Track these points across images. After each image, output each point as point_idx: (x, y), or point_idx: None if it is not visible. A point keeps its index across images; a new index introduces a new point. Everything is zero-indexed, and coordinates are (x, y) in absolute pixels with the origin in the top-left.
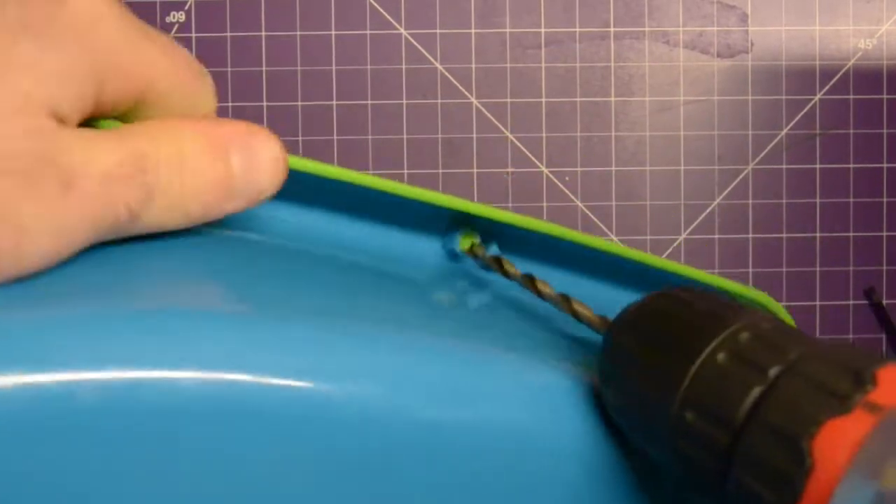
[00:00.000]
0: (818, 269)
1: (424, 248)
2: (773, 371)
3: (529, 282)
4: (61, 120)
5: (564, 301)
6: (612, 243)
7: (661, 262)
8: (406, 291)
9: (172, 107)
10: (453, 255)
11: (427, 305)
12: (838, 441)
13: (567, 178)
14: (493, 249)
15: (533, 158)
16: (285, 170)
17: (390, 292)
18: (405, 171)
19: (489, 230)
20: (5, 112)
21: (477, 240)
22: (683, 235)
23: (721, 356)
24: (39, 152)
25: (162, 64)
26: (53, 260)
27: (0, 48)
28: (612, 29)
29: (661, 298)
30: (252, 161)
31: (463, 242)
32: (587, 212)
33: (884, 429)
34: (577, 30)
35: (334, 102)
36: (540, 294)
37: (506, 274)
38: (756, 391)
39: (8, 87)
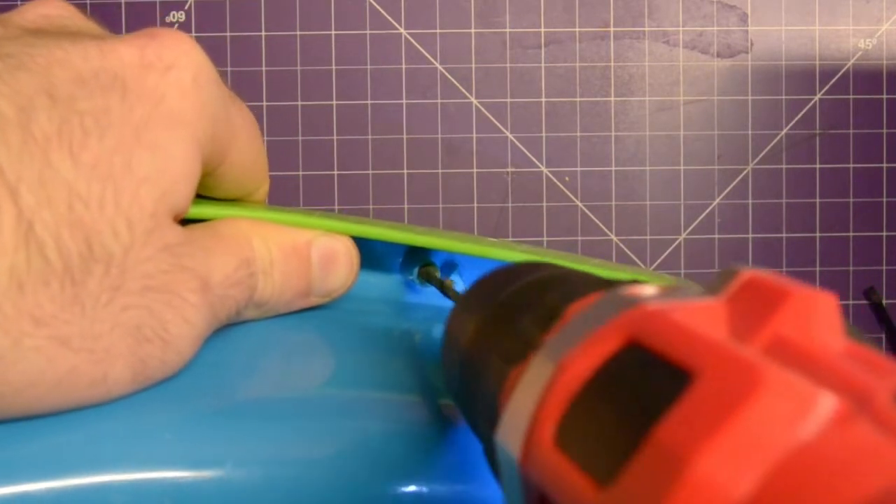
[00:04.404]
0: (818, 268)
1: (389, 281)
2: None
3: (453, 293)
4: (178, 215)
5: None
6: (526, 250)
7: (613, 272)
8: (352, 338)
9: (238, 174)
10: (412, 286)
11: (373, 348)
12: (508, 393)
13: (567, 178)
14: (455, 277)
15: (533, 158)
16: (356, 274)
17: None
18: (405, 171)
19: (451, 258)
20: (139, 236)
21: (435, 268)
22: (683, 235)
23: (487, 319)
24: (175, 264)
25: (243, 132)
26: (186, 363)
27: (118, 169)
28: (612, 29)
29: (486, 275)
30: (328, 266)
31: (421, 272)
32: (587, 212)
33: (528, 371)
34: (577, 30)
35: (334, 102)
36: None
37: (445, 294)
38: (491, 357)
39: (136, 212)
